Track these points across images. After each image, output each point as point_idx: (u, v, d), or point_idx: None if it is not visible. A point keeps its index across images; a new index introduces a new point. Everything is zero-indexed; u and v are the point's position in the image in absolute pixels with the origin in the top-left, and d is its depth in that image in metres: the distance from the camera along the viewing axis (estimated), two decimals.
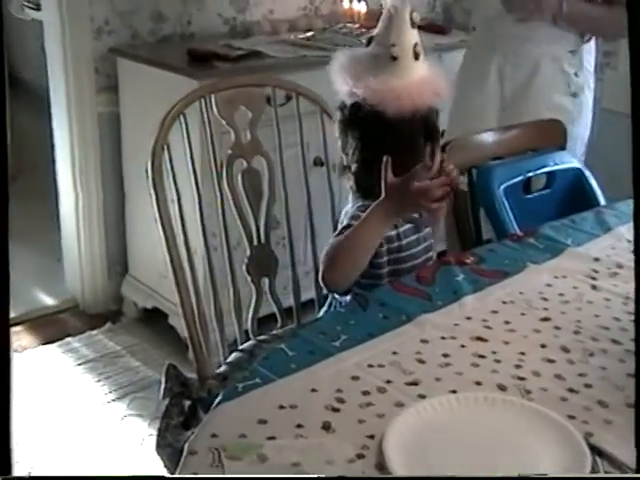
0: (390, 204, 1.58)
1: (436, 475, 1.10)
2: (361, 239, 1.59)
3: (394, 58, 1.59)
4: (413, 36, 1.61)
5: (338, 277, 1.61)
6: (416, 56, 1.61)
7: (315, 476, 1.09)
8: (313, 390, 1.26)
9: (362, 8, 3.14)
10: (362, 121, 1.63)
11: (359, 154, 1.67)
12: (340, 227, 1.66)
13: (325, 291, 1.79)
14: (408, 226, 1.74)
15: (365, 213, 1.60)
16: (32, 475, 2.21)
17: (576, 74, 2.52)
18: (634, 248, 1.13)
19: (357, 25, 3.10)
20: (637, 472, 1.08)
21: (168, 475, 1.59)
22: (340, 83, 1.64)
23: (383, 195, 1.58)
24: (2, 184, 1.07)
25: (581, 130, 2.57)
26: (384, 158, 1.55)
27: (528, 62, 2.50)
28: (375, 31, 1.64)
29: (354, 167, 1.68)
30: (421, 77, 1.62)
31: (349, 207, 1.73)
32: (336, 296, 1.77)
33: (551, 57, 2.50)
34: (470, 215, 2.18)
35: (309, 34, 3.07)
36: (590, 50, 2.56)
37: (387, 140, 1.62)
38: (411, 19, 1.60)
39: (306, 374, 1.30)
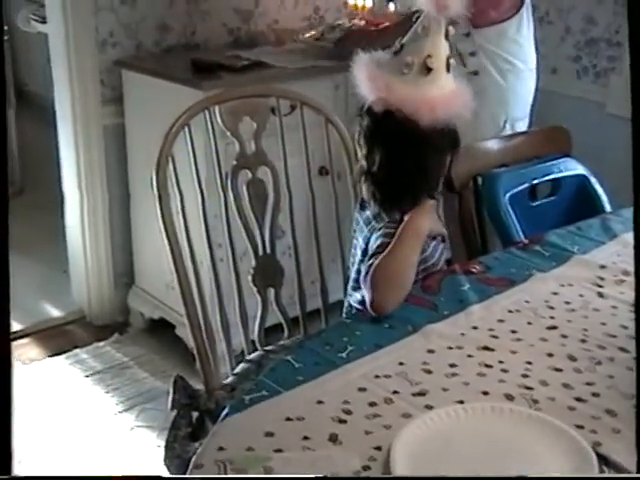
0: (424, 220, 1.63)
1: None
2: (404, 259, 1.59)
3: (429, 69, 1.58)
4: (446, 48, 1.60)
5: (391, 302, 1.55)
6: (448, 68, 1.61)
7: (314, 476, 1.09)
8: (320, 402, 1.26)
9: (367, 3, 3.11)
10: (395, 129, 1.61)
11: (388, 162, 1.65)
12: (374, 247, 1.63)
13: (345, 310, 1.79)
14: None
15: (397, 233, 1.61)
16: (33, 476, 2.22)
17: (472, 54, 2.59)
18: (634, 253, 1.13)
19: (363, 22, 3.07)
20: (638, 472, 1.08)
21: (166, 475, 1.60)
22: (369, 89, 1.62)
23: (413, 213, 1.63)
24: (2, 194, 1.07)
25: (491, 107, 2.61)
26: None
27: None
28: (406, 38, 1.61)
29: (380, 175, 1.66)
30: (452, 89, 1.61)
31: (370, 217, 1.71)
32: (352, 303, 1.77)
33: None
34: (476, 223, 2.17)
35: (320, 29, 3.02)
36: (500, 32, 2.61)
37: (418, 150, 1.62)
38: (446, 31, 1.59)
39: (312, 386, 1.30)
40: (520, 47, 2.67)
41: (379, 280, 1.56)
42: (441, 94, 1.59)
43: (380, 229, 1.66)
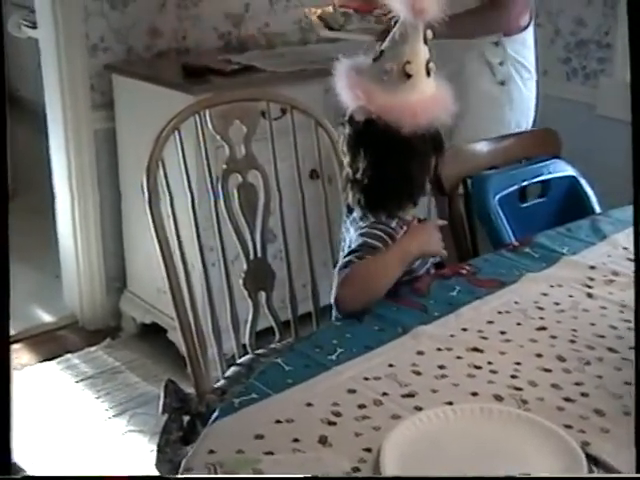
0: (413, 243, 1.64)
1: None
2: (382, 270, 1.59)
3: (409, 76, 1.58)
4: (426, 53, 1.60)
5: (355, 301, 1.56)
6: (428, 73, 1.61)
7: (313, 476, 1.09)
8: (309, 404, 1.26)
9: None
10: (377, 137, 1.62)
11: (372, 169, 1.66)
12: (355, 244, 1.63)
13: (335, 312, 1.79)
14: None
15: (387, 250, 1.61)
16: (32, 476, 2.23)
17: (501, 63, 2.58)
18: (634, 252, 1.14)
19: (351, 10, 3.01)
20: (637, 472, 1.08)
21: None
22: (350, 97, 1.62)
23: (407, 234, 1.64)
24: (2, 199, 1.07)
25: (516, 115, 2.64)
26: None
27: (454, 56, 2.54)
28: (385, 44, 1.61)
29: (365, 182, 1.66)
30: (433, 93, 1.61)
31: (357, 218, 1.71)
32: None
33: (474, 49, 2.56)
34: (466, 225, 2.18)
35: (326, 11, 2.98)
36: (522, 41, 2.62)
37: (401, 156, 1.63)
38: (424, 35, 1.59)
39: (302, 388, 1.30)
40: (533, 55, 2.68)
41: (352, 278, 1.56)
42: (421, 99, 1.59)
43: (364, 228, 1.66)
